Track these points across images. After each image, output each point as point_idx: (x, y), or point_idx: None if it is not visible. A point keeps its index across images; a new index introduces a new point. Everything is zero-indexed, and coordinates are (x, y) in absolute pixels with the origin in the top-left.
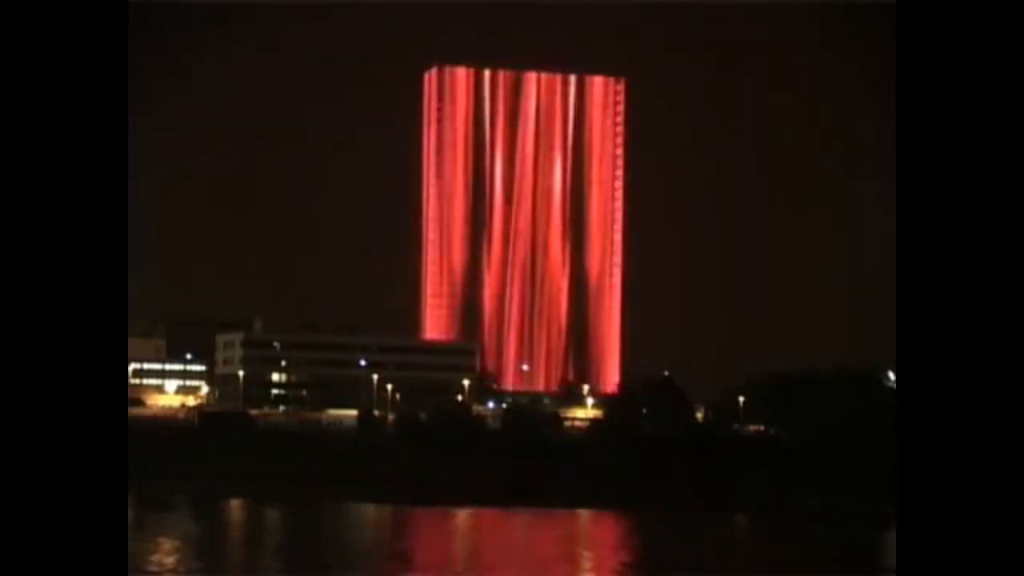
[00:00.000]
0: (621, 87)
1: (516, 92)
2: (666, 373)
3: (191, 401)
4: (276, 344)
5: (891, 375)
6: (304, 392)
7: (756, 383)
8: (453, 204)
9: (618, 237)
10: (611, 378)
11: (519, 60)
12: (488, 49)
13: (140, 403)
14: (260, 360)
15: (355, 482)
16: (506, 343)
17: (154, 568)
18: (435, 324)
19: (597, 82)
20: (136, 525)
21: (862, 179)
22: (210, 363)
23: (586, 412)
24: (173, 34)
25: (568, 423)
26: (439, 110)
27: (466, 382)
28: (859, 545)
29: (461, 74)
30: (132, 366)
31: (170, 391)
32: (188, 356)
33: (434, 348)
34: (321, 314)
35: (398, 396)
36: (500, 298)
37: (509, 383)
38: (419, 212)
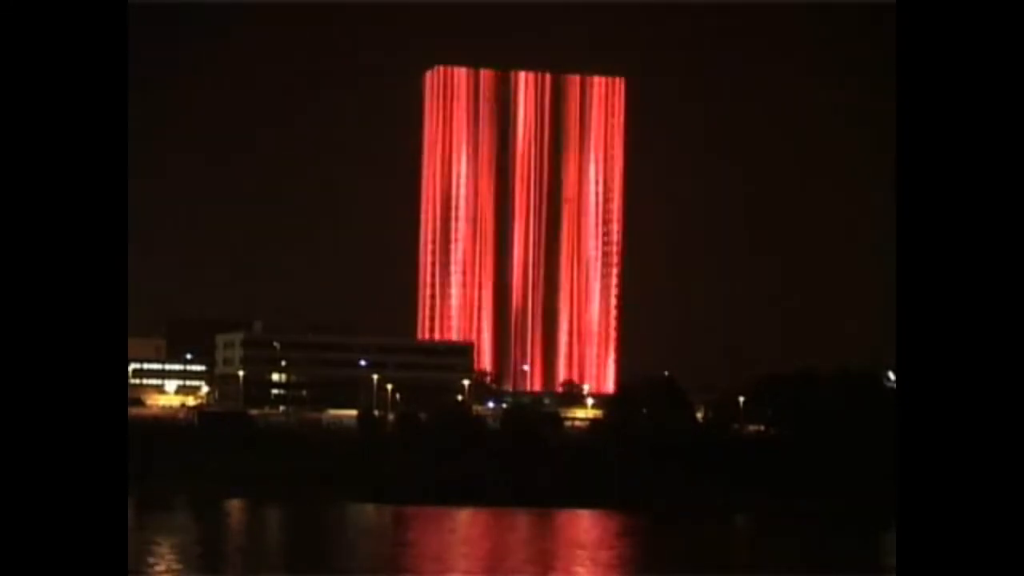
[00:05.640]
0: (621, 87)
1: (516, 92)
2: (666, 373)
3: (191, 401)
4: (276, 344)
5: (891, 375)
6: (304, 392)
7: (756, 383)
8: (453, 204)
9: (618, 236)
10: (611, 378)
11: (519, 60)
12: (488, 49)
13: (140, 403)
14: (260, 360)
15: (355, 482)
16: (507, 343)
17: (154, 568)
18: (435, 324)
19: (597, 82)
20: (136, 525)
21: (863, 179)
22: (210, 363)
23: (586, 412)
24: (172, 34)
25: (568, 423)
26: (439, 110)
27: (466, 382)
28: (859, 545)
29: (461, 74)
30: (132, 366)
31: (170, 391)
32: (188, 356)
33: (434, 348)
34: (321, 314)
35: (398, 396)
36: (500, 298)
37: (509, 383)
38: (419, 212)
